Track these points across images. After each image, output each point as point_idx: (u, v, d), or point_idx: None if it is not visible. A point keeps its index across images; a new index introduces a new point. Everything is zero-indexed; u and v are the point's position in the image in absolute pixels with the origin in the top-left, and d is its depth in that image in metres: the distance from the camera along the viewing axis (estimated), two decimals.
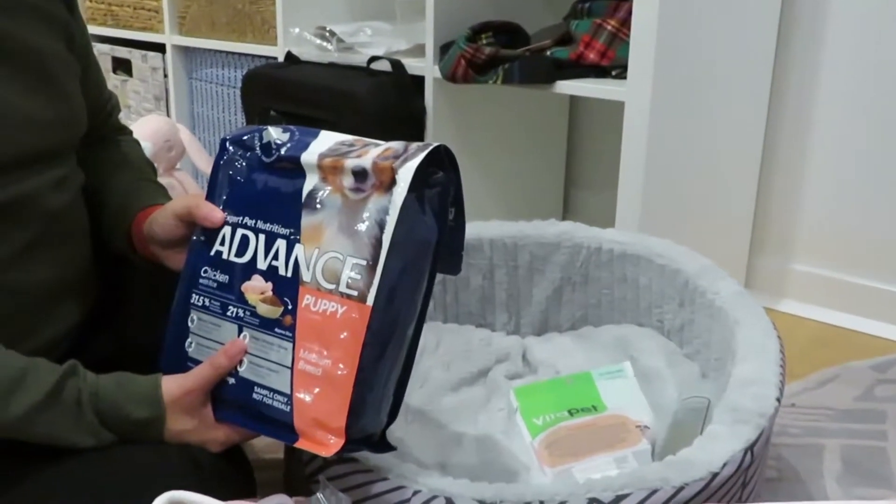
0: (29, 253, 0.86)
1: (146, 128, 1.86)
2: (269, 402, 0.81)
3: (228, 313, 0.85)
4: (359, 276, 0.79)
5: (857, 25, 1.67)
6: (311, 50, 1.94)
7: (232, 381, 0.83)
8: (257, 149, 0.88)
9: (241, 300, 0.84)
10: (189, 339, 0.87)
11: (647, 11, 1.43)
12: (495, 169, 1.96)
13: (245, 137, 0.89)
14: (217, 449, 0.84)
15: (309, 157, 0.84)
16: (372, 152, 0.82)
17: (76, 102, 0.94)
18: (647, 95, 1.46)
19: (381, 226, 0.79)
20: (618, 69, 1.58)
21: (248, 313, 0.83)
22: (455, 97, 1.80)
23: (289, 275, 0.82)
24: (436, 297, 1.38)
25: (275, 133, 0.87)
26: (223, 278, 0.85)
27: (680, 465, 0.83)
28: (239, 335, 0.84)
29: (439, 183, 0.82)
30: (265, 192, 0.86)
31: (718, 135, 1.66)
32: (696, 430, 1.00)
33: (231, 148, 0.89)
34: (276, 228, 0.84)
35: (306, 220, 0.82)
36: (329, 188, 0.83)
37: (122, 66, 2.51)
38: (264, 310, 0.82)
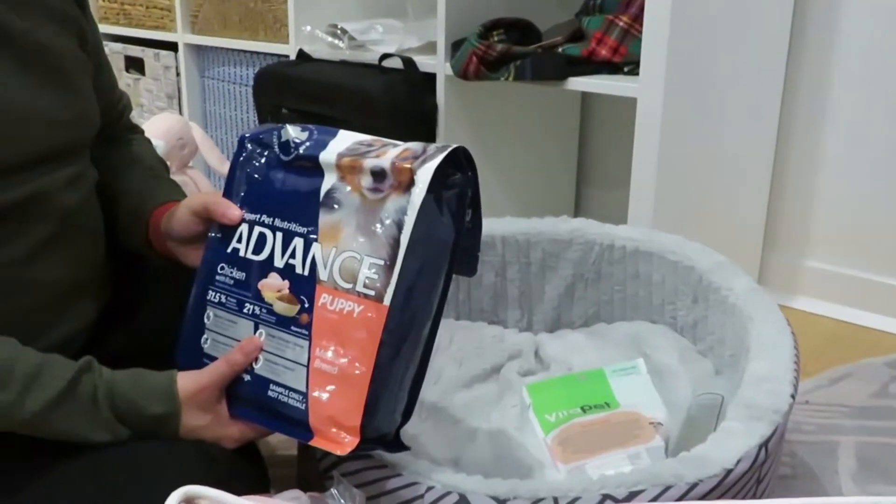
0: (44, 250, 0.87)
1: (159, 126, 1.87)
2: (285, 399, 0.81)
3: (245, 310, 0.85)
4: (376, 276, 0.79)
5: (871, 20, 1.66)
6: (323, 48, 1.95)
7: (247, 378, 0.84)
8: (275, 147, 0.88)
9: (258, 297, 0.84)
10: (205, 336, 0.87)
11: (660, 7, 1.43)
12: (507, 166, 1.95)
13: (263, 135, 0.89)
14: (232, 445, 0.84)
15: (327, 156, 0.84)
16: (390, 153, 0.82)
17: (90, 101, 0.95)
18: (660, 91, 1.46)
19: (400, 226, 0.79)
20: (630, 65, 1.58)
21: (264, 311, 0.84)
22: (467, 94, 1.80)
23: (306, 273, 0.82)
24: (448, 294, 1.38)
25: (293, 132, 0.87)
26: (240, 275, 0.86)
27: (694, 462, 0.83)
28: (255, 332, 0.84)
29: (457, 184, 0.82)
30: (283, 190, 0.86)
31: (731, 130, 1.65)
32: (710, 426, 1.00)
33: (249, 146, 0.90)
34: (293, 227, 0.84)
35: (324, 219, 0.83)
36: (347, 188, 0.83)
37: (135, 64, 2.52)
38: (281, 307, 0.83)
